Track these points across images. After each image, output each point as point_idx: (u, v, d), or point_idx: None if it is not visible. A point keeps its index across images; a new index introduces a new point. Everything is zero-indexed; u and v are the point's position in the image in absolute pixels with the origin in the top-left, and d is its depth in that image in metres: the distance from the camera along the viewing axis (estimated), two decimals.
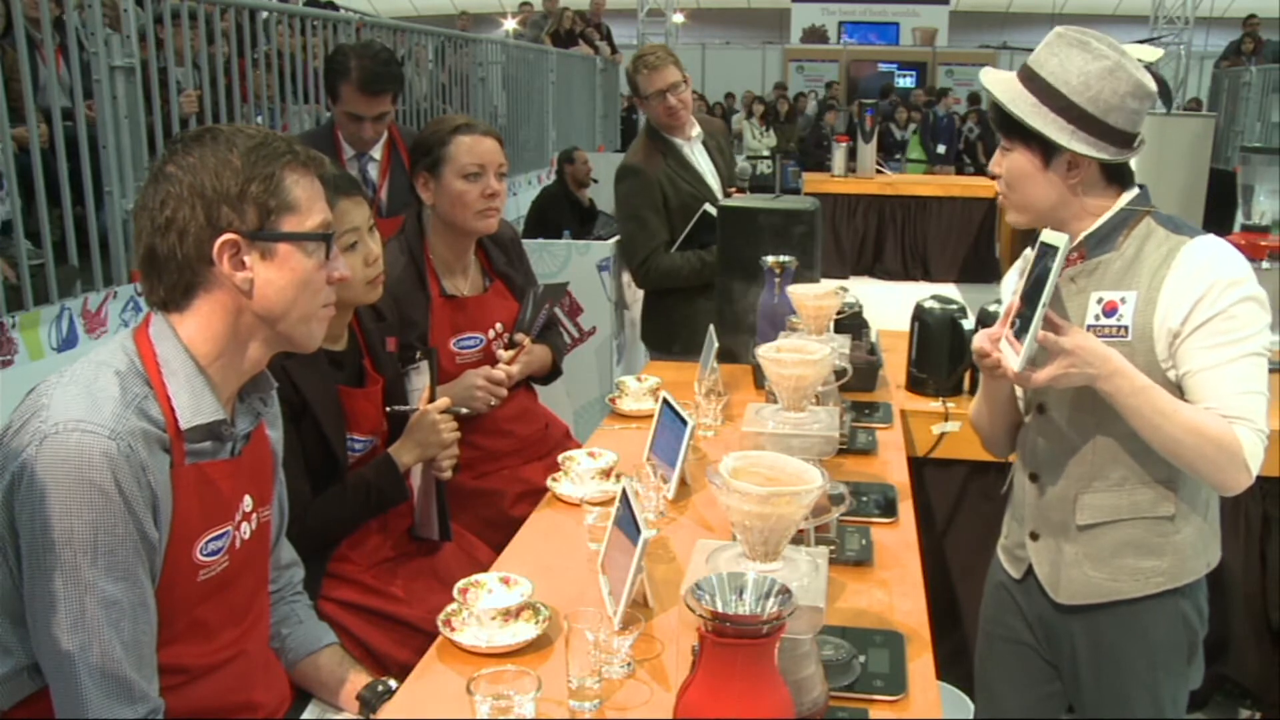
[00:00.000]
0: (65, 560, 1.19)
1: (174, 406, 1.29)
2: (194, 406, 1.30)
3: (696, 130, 3.38)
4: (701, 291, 3.15)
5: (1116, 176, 1.63)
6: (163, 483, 1.26)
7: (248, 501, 1.41)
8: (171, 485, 1.28)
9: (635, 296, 4.38)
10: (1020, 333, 1.53)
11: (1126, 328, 1.58)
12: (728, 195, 3.30)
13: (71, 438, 1.19)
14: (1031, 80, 1.59)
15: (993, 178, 1.69)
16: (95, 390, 1.24)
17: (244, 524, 1.40)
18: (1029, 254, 1.80)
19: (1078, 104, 1.55)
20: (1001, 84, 1.62)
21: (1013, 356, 1.52)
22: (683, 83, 3.28)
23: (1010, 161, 1.63)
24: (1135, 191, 1.64)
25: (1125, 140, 1.58)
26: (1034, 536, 1.74)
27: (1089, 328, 1.60)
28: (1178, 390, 1.57)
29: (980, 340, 1.62)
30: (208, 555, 1.33)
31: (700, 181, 3.32)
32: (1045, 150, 1.59)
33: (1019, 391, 1.80)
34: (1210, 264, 1.54)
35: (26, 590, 1.23)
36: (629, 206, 3.34)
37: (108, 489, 1.19)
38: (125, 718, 1.23)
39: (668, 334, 3.36)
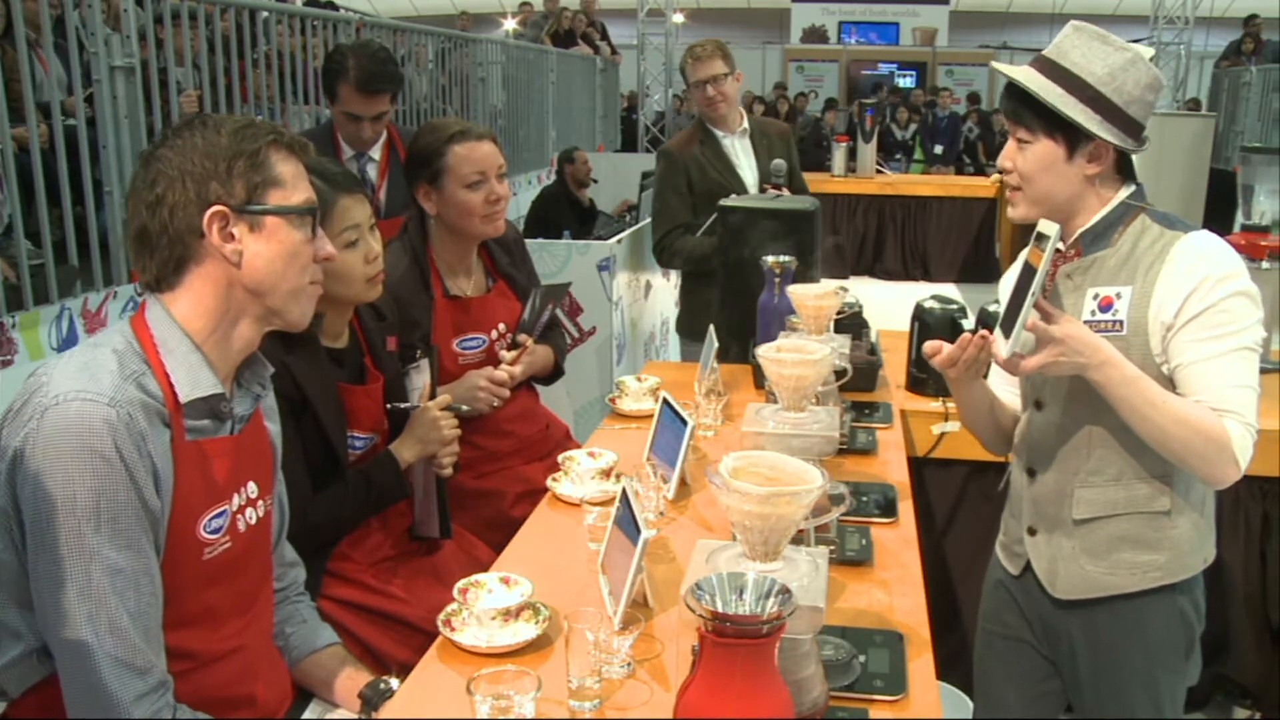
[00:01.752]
0: (69, 529, 1.21)
1: (172, 382, 1.31)
2: (192, 381, 1.33)
3: (744, 125, 3.51)
4: None
5: (1125, 170, 1.65)
6: (163, 455, 1.29)
7: (252, 487, 1.43)
8: (173, 459, 1.30)
9: (635, 296, 4.38)
10: (1010, 321, 1.53)
11: (1121, 322, 1.59)
12: (763, 192, 3.36)
13: (72, 407, 1.22)
14: (1054, 71, 1.58)
15: (1002, 172, 1.68)
16: (94, 365, 1.27)
17: (248, 509, 1.42)
18: (1025, 253, 1.81)
19: (1104, 94, 1.56)
20: (1023, 75, 1.61)
21: (1002, 343, 1.53)
22: (725, 76, 3.40)
23: (1031, 153, 1.61)
24: (1133, 188, 1.65)
25: (1138, 132, 1.60)
26: (1031, 531, 1.74)
27: (1086, 323, 1.60)
28: (1171, 384, 1.57)
29: (928, 343, 1.65)
30: (210, 533, 1.35)
31: (731, 172, 3.43)
32: (1070, 140, 1.59)
33: (1014, 388, 1.80)
34: (1203, 258, 1.55)
35: (31, 563, 1.24)
36: (657, 187, 3.53)
37: (109, 455, 1.22)
38: (134, 688, 1.24)
39: (705, 323, 3.38)
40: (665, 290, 4.98)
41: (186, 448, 1.32)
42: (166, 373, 1.31)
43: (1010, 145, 1.65)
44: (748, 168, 3.49)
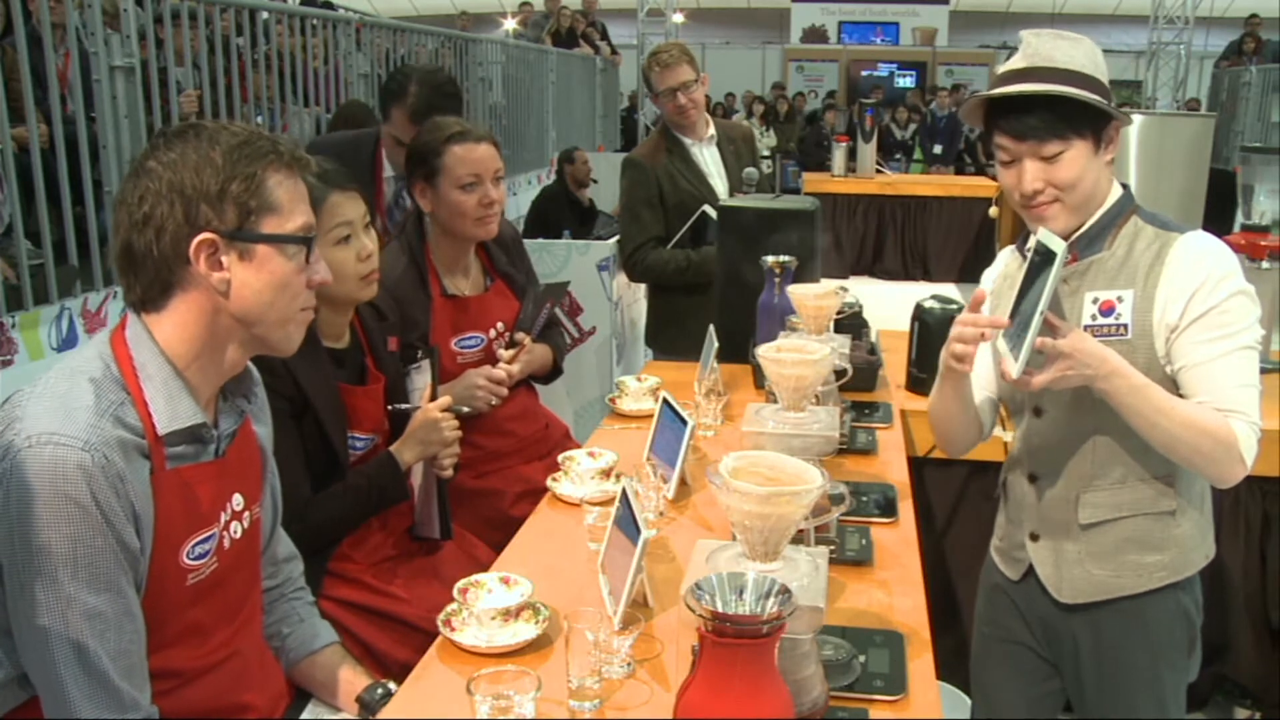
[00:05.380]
0: (45, 575, 1.18)
1: (151, 412, 1.27)
2: (171, 411, 1.28)
3: (710, 131, 3.37)
4: (704, 292, 3.14)
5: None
6: (142, 491, 1.25)
7: (238, 500, 1.40)
8: (152, 492, 1.26)
9: (635, 296, 4.38)
10: (1015, 336, 1.53)
11: (1126, 326, 1.59)
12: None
13: (45, 451, 1.17)
14: (1055, 74, 1.57)
15: (1030, 196, 1.59)
16: (69, 400, 1.22)
17: (234, 523, 1.39)
18: (1007, 256, 1.80)
19: (1097, 78, 1.57)
20: (1035, 88, 1.56)
21: (1010, 361, 1.52)
22: (694, 82, 3.25)
23: (1068, 160, 1.57)
24: (1121, 189, 1.65)
25: None
26: (1034, 537, 1.74)
27: (1086, 328, 1.60)
28: (1174, 386, 1.57)
29: (962, 328, 1.56)
30: (195, 559, 1.32)
31: (703, 182, 3.31)
32: (1096, 132, 1.58)
33: (986, 391, 1.79)
34: (1202, 258, 1.56)
35: (10, 604, 1.22)
36: (625, 199, 3.37)
37: (84, 502, 1.18)
38: None
39: (672, 336, 3.36)
40: None
41: (167, 477, 1.28)
42: (146, 401, 1.27)
43: (1033, 167, 1.57)
44: (718, 176, 3.35)
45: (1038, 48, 1.59)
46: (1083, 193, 1.60)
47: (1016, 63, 1.61)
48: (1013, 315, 1.57)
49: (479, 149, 2.26)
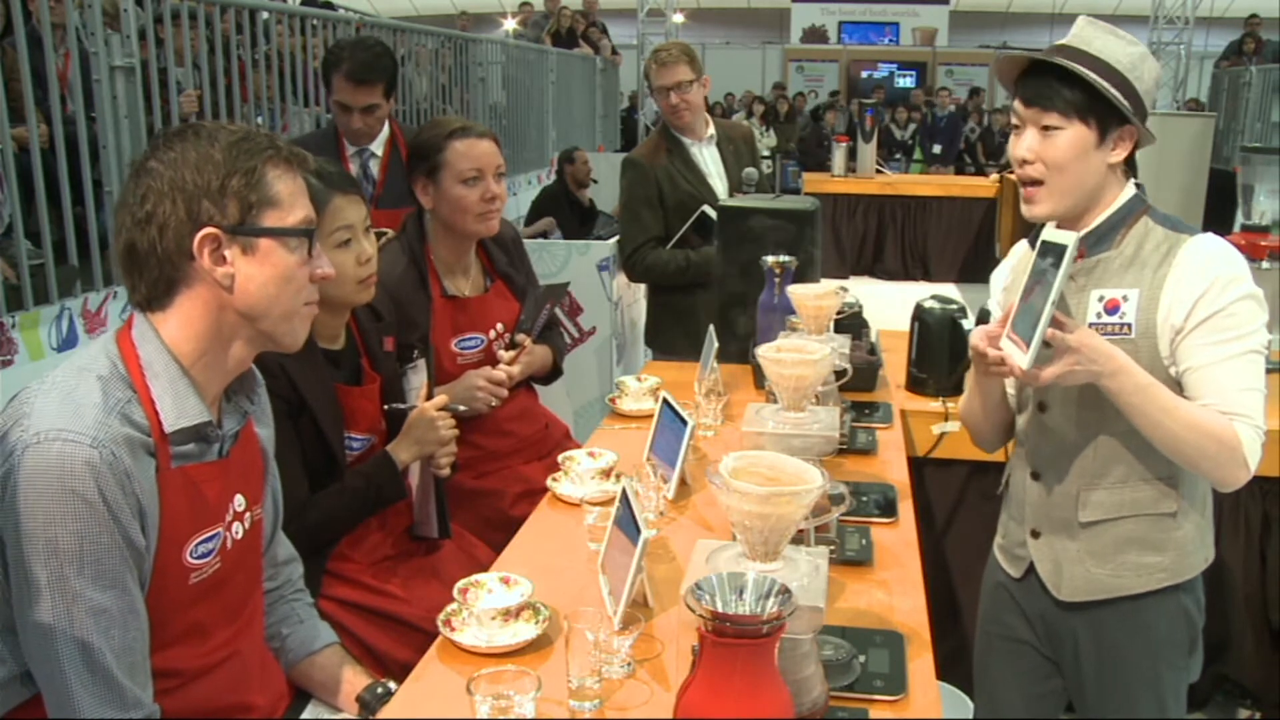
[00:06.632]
0: (52, 570, 1.19)
1: (158, 410, 1.28)
2: (178, 409, 1.29)
3: (710, 131, 3.37)
4: (704, 293, 3.14)
5: (1130, 165, 1.64)
6: (149, 489, 1.25)
7: (239, 501, 1.40)
8: (158, 490, 1.27)
9: (635, 296, 4.38)
10: (1021, 330, 1.53)
11: (1130, 325, 1.59)
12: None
13: (53, 447, 1.18)
14: (1082, 57, 1.56)
15: (1021, 165, 1.61)
16: (77, 397, 1.23)
17: (236, 524, 1.39)
18: (1020, 249, 1.80)
19: (1130, 81, 1.56)
20: (1058, 60, 1.56)
21: (1019, 355, 1.52)
22: (690, 82, 3.25)
23: (1062, 140, 1.57)
24: (1134, 188, 1.65)
25: (1144, 123, 1.60)
26: (1035, 534, 1.74)
27: (1091, 325, 1.60)
28: (1178, 387, 1.57)
29: (978, 339, 1.61)
30: (198, 558, 1.32)
31: (703, 182, 3.31)
32: (1102, 125, 1.57)
33: (1010, 390, 1.80)
34: (1211, 261, 1.55)
35: (15, 600, 1.22)
36: (625, 199, 3.38)
37: (91, 498, 1.18)
38: None
39: (671, 336, 3.36)
40: None
41: (172, 475, 1.29)
42: (152, 398, 1.28)
43: (1031, 136, 1.59)
44: (718, 176, 3.35)
45: (1080, 31, 1.60)
46: (1070, 180, 1.59)
47: (1060, 41, 1.61)
48: (1020, 311, 1.57)
49: (481, 144, 2.27)
